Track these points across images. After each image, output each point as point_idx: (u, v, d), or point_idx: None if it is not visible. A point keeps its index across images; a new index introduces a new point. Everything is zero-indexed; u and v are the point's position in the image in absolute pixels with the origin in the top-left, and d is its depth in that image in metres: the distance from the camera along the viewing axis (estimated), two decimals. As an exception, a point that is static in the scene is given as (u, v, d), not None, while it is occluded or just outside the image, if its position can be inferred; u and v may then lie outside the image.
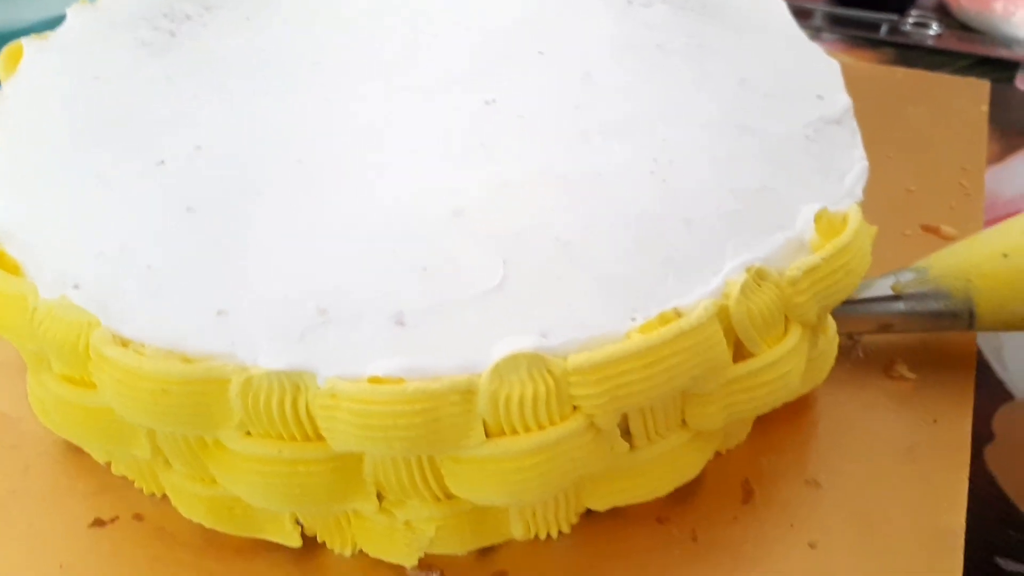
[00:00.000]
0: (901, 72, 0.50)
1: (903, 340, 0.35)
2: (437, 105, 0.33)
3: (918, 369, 0.34)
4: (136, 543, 0.29)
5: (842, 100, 0.34)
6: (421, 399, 0.24)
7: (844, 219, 0.28)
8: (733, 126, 0.32)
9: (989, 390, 0.40)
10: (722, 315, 0.26)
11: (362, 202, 0.29)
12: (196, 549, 0.29)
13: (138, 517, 0.30)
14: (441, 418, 0.24)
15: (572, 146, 0.31)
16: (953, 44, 0.58)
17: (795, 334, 0.27)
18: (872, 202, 0.30)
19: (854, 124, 0.33)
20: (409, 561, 0.28)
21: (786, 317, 0.27)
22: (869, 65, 0.47)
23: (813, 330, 0.29)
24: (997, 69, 0.59)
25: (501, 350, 0.25)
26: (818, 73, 0.35)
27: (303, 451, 0.25)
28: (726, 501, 0.30)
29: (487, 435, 0.25)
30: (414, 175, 0.30)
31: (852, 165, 0.31)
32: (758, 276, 0.27)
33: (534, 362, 0.25)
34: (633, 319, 0.26)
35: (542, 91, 0.34)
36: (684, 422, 0.28)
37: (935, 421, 0.32)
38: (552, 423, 0.25)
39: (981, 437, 0.38)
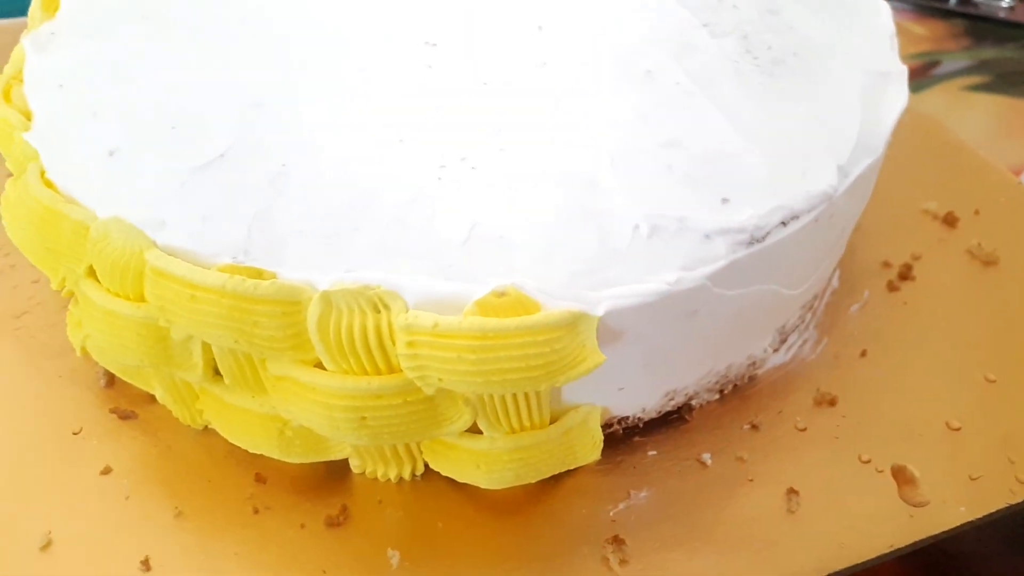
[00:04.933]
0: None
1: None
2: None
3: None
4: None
5: (740, 217, 0.25)
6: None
7: (533, 312, 0.23)
8: (581, 176, 0.27)
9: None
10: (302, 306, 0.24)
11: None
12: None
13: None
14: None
15: (423, 111, 0.28)
16: (1026, 17, 0.54)
17: (384, 380, 0.24)
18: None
19: (732, 252, 0.25)
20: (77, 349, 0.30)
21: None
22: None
23: (451, 404, 0.25)
24: (1070, 45, 0.54)
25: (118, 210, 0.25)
26: (777, 180, 0.27)
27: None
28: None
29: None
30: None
31: (638, 282, 0.24)
32: (380, 300, 0.24)
33: (126, 233, 0.25)
34: (233, 258, 0.25)
35: (484, 54, 0.31)
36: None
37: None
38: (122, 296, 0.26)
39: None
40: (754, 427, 0.31)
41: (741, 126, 0.28)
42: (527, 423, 0.26)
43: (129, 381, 0.31)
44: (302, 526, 0.28)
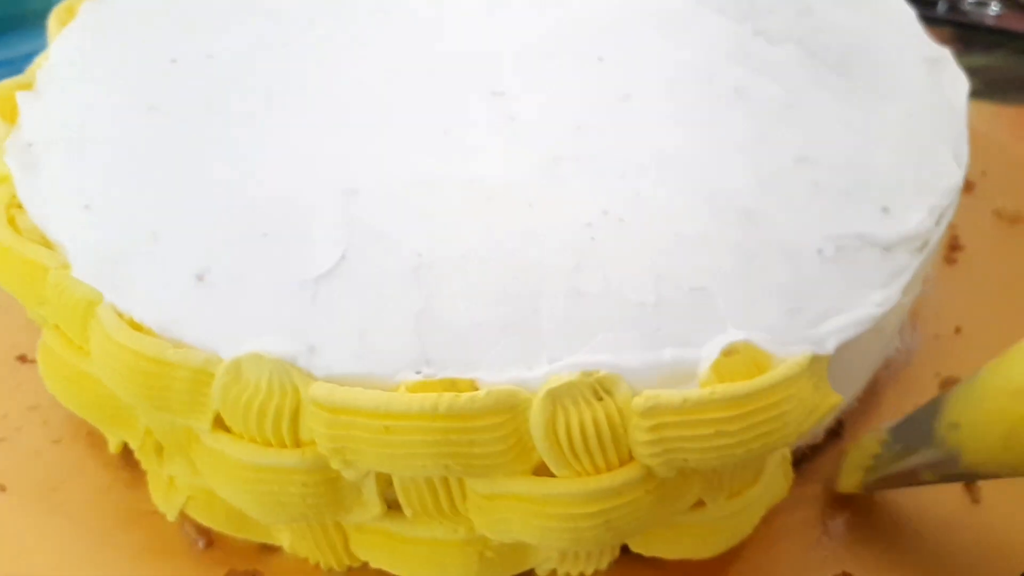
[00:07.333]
0: None
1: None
2: (441, 86, 0.28)
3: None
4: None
5: (911, 223, 0.25)
6: (152, 364, 0.21)
7: (767, 366, 0.21)
8: (736, 208, 0.25)
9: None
10: (520, 410, 0.21)
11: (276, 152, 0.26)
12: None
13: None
14: (170, 386, 0.22)
15: (535, 166, 0.26)
16: (1013, 24, 0.55)
17: (625, 473, 0.21)
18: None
19: (913, 261, 0.25)
20: (168, 513, 0.26)
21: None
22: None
23: (685, 482, 0.23)
24: (1058, 51, 0.54)
25: (255, 345, 0.21)
26: (917, 180, 0.26)
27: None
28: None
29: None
30: (340, 145, 0.26)
31: (851, 308, 0.23)
32: (600, 386, 0.21)
33: (276, 369, 0.21)
34: (417, 372, 0.21)
35: (564, 100, 0.28)
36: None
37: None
38: (274, 444, 0.21)
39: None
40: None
41: (855, 131, 0.28)
42: (748, 483, 0.25)
43: (241, 536, 0.26)
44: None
